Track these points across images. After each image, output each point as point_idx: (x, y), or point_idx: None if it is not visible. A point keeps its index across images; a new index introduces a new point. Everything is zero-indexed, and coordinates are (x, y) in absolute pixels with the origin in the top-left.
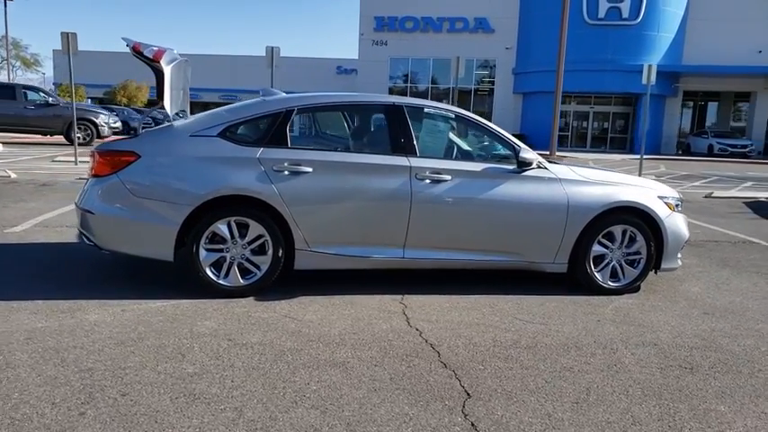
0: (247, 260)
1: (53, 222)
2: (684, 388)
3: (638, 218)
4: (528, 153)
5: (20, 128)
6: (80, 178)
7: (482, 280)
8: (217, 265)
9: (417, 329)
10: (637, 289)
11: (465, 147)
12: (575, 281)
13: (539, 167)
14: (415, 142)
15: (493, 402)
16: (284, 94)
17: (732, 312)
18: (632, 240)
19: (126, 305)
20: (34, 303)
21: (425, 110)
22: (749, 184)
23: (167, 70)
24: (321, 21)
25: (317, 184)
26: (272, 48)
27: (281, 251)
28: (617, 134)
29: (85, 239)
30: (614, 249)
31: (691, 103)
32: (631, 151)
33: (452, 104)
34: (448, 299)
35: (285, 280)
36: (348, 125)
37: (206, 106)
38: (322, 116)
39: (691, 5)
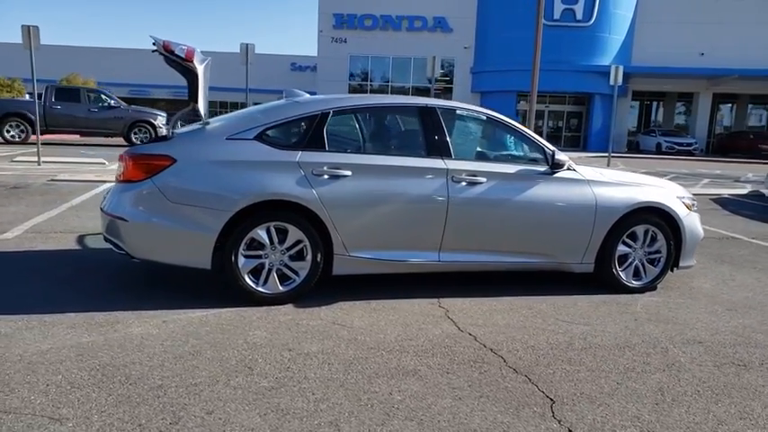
0: (286, 266)
1: (44, 228)
2: (748, 385)
3: (660, 217)
4: (561, 155)
5: (83, 129)
6: (53, 179)
7: (508, 281)
8: (254, 272)
9: (470, 334)
10: (655, 287)
11: (496, 149)
12: (600, 280)
13: (568, 169)
14: (450, 144)
15: (579, 407)
16: (310, 96)
17: (752, 308)
18: (653, 240)
19: (164, 316)
20: (67, 316)
21: (457, 111)
22: (706, 180)
23: (200, 70)
24: (274, 17)
25: (356, 187)
26: (247, 45)
27: (319, 256)
28: (571, 132)
29: (114, 248)
30: (637, 249)
31: (637, 103)
32: (585, 149)
33: None
34: (483, 301)
35: (316, 285)
36: (382, 127)
37: (153, 103)
38: (356, 118)
39: (639, 9)
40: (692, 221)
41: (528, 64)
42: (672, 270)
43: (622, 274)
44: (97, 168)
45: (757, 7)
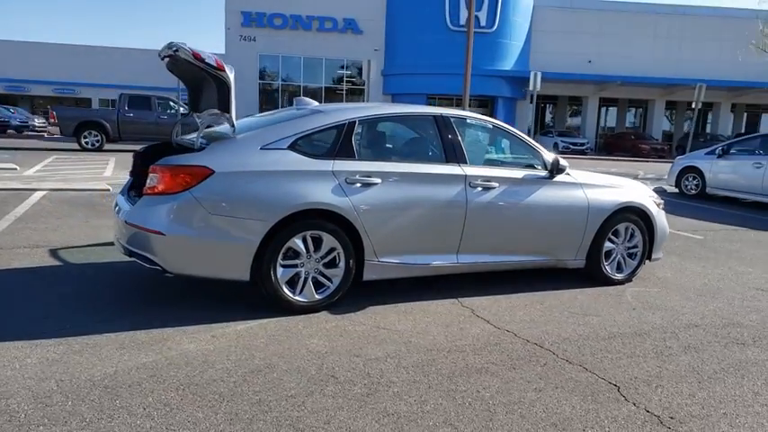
0: (321, 274)
1: (3, 243)
2: (756, 360)
3: (637, 215)
4: (563, 160)
5: (154, 136)
6: None
7: (508, 278)
8: (290, 282)
9: (508, 331)
10: (631, 279)
11: (501, 155)
12: (589, 274)
13: (566, 174)
14: (465, 151)
15: (641, 390)
16: (330, 104)
17: (714, 293)
18: (632, 236)
19: (208, 330)
20: (107, 337)
21: (467, 120)
22: None
23: (232, 78)
24: (171, 11)
25: (386, 194)
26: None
27: (352, 263)
28: None
29: (143, 262)
30: (619, 244)
31: (532, 105)
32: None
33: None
34: (498, 299)
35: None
36: (403, 136)
37: (32, 100)
38: (379, 127)
39: (534, 18)
40: (661, 218)
41: (436, 67)
42: (644, 263)
43: (608, 268)
44: (12, 174)
45: (636, 21)
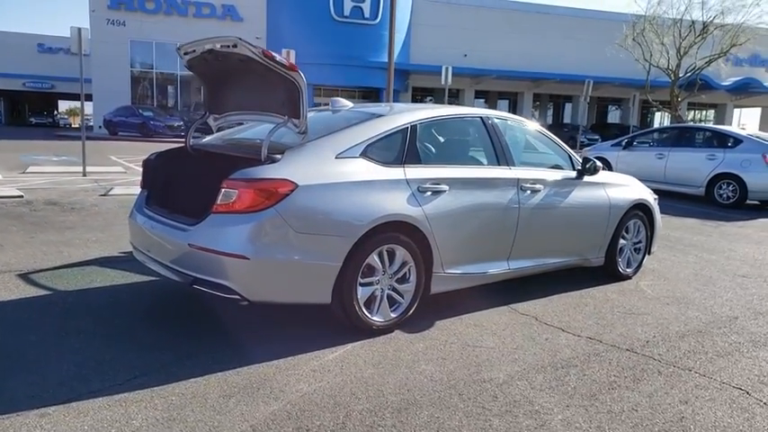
0: (393, 290)
1: None
2: None
3: (643, 212)
4: (598, 162)
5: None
6: None
7: (526, 283)
8: (366, 302)
9: (590, 338)
10: (636, 273)
11: (536, 156)
12: (606, 271)
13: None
14: (512, 153)
15: (764, 392)
16: (352, 104)
17: (711, 282)
18: (638, 231)
19: (302, 364)
20: (196, 383)
21: (509, 121)
22: None
23: (303, 79)
24: None
25: (452, 202)
26: (79, 29)
27: (423, 276)
28: None
29: (216, 291)
30: (628, 240)
31: (410, 99)
32: None
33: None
34: (543, 303)
35: None
36: (454, 138)
37: None
38: (433, 130)
39: (414, 11)
40: (658, 213)
41: (321, 57)
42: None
43: (621, 264)
44: None
45: (508, 18)
